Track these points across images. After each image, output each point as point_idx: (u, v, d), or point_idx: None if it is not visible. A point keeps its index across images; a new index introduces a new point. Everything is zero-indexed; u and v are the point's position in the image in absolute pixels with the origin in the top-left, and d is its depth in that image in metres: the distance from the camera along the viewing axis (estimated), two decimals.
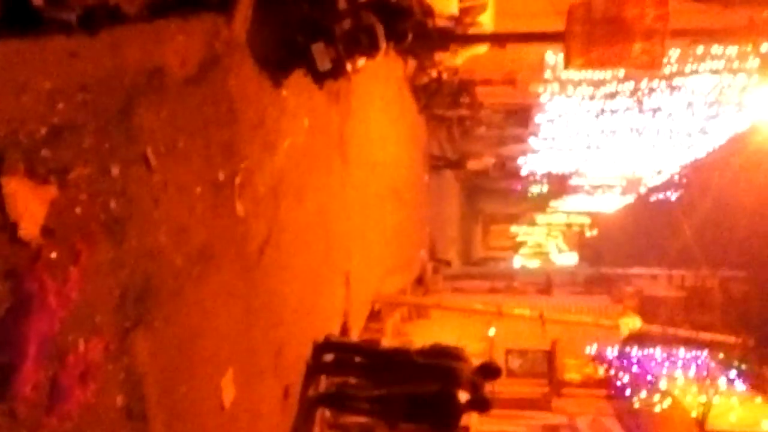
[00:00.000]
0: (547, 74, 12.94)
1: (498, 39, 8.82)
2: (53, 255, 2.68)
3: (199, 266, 4.08)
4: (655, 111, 15.51)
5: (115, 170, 3.13)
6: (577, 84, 13.70)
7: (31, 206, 2.57)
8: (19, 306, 2.48)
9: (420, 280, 14.80)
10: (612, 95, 14.26)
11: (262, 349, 5.32)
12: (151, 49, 3.57)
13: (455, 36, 8.84)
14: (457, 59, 11.37)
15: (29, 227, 2.56)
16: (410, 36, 5.84)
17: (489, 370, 6.64)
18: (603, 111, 15.55)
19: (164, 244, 3.64)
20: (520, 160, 20.92)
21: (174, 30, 3.80)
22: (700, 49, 11.71)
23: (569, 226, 42.46)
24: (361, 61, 5.20)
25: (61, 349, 2.75)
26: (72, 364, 2.80)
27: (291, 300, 6.00)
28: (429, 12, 7.53)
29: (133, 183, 3.30)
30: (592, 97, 14.41)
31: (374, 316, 10.08)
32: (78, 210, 2.87)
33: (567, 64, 7.51)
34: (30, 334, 2.50)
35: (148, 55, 3.52)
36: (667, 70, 12.50)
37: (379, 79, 9.64)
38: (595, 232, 39.34)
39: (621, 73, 12.98)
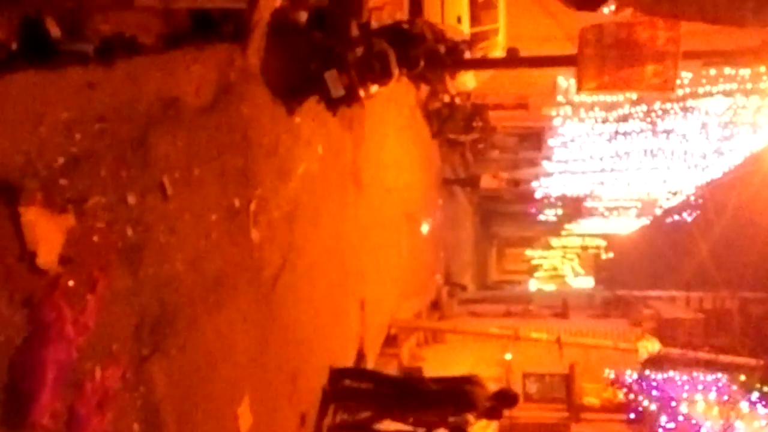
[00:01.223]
0: (560, 98, 12.97)
1: (510, 63, 8.85)
2: (71, 283, 2.70)
3: (214, 294, 4.09)
4: (668, 133, 15.47)
5: (131, 199, 3.16)
6: (590, 107, 13.71)
7: (49, 235, 2.59)
8: (37, 334, 2.50)
9: (435, 305, 14.73)
10: (625, 118, 14.25)
11: (278, 376, 5.30)
12: (167, 79, 3.62)
13: (467, 61, 8.87)
14: (469, 83, 11.43)
15: (47, 256, 2.58)
16: (422, 62, 5.88)
17: (506, 397, 6.56)
18: (616, 133, 15.52)
19: (180, 271, 3.65)
20: (534, 184, 20.88)
21: (189, 60, 3.85)
22: (712, 71, 11.69)
23: (585, 248, 42.23)
24: (374, 88, 5.23)
25: (78, 378, 2.76)
26: (89, 392, 2.80)
27: (306, 326, 5.99)
28: (441, 37, 7.57)
29: (149, 211, 3.33)
30: (605, 120, 14.40)
31: (390, 341, 10.03)
32: (95, 238, 2.90)
33: (579, 88, 7.50)
34: (47, 363, 2.51)
35: (163, 85, 3.57)
36: (680, 92, 12.48)
37: (392, 105, 9.70)
38: (611, 255, 39.09)
39: (634, 95, 12.97)
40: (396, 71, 5.27)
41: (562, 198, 22.95)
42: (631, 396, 12.04)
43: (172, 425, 3.50)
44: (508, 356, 12.09)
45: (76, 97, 2.86)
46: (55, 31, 2.92)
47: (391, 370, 10.14)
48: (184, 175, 3.72)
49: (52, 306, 2.57)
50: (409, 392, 6.61)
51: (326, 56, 5.09)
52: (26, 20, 2.84)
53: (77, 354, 2.71)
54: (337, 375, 6.75)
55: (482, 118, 13.78)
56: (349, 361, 7.86)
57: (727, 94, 12.63)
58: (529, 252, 45.68)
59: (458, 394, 6.33)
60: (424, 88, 10.80)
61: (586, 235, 37.65)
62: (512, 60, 8.56)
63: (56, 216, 2.65)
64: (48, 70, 2.74)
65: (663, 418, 10.90)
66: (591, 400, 12.58)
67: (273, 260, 5.12)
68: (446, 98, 11.39)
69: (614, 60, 7.39)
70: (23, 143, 2.54)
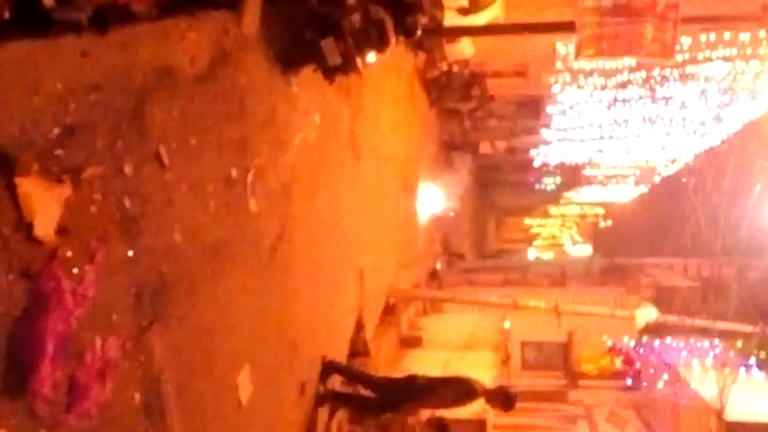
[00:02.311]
0: (558, 65, 12.85)
1: (508, 30, 8.76)
2: (68, 254, 2.70)
3: (213, 263, 4.09)
4: (667, 99, 15.37)
5: (128, 169, 3.15)
6: (589, 74, 13.59)
7: (46, 206, 2.58)
8: (36, 305, 2.50)
9: (434, 274, 14.79)
10: (624, 85, 14.14)
11: (277, 345, 5.33)
12: (162, 47, 3.58)
13: (465, 28, 8.78)
14: (467, 51, 11.33)
15: (44, 227, 2.57)
16: (420, 29, 5.82)
17: (505, 397, 6.19)
18: (615, 101, 15.42)
19: (179, 242, 3.65)
20: (533, 152, 20.81)
21: (184, 28, 3.81)
22: (712, 36, 11.58)
23: (583, 217, 42.25)
24: (371, 56, 5.18)
25: (78, 348, 2.77)
26: (90, 362, 2.82)
27: (305, 296, 6.02)
28: (438, 4, 7.48)
29: (146, 181, 3.32)
30: (603, 87, 14.29)
31: (389, 310, 10.08)
32: (92, 209, 2.89)
33: (578, 54, 7.45)
34: (47, 333, 2.52)
35: (158, 53, 3.53)
36: (679, 58, 12.38)
37: (390, 74, 9.63)
38: (609, 222, 39.13)
39: (633, 62, 12.87)
40: (393, 39, 5.22)
41: (561, 166, 22.87)
42: (628, 363, 12.15)
43: (172, 395, 3.52)
44: (506, 324, 12.18)
45: (70, 66, 2.83)
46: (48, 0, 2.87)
47: (390, 339, 10.22)
48: (181, 145, 3.70)
49: (50, 276, 2.57)
50: (402, 391, 6.46)
51: (323, 24, 5.04)
52: None
53: (77, 324, 2.72)
54: (329, 368, 6.61)
55: (480, 86, 13.69)
56: (347, 331, 7.91)
57: (727, 59, 12.52)
58: (527, 220, 45.73)
59: (455, 381, 6.21)
60: (421, 56, 10.71)
61: (584, 204, 37.65)
62: (510, 26, 8.47)
63: (53, 186, 2.63)
64: (41, 39, 2.70)
65: (659, 384, 11.00)
66: (589, 367, 12.71)
67: (271, 230, 5.12)
68: (444, 66, 11.31)
69: (613, 26, 7.33)
70: (18, 113, 2.52)
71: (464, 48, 10.88)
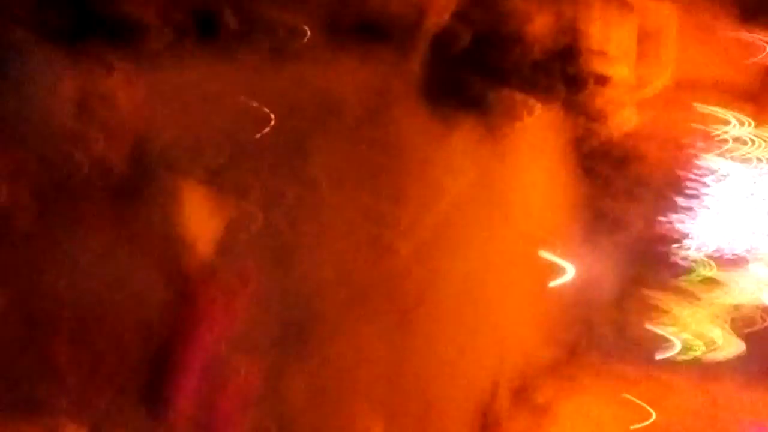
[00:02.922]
0: (723, 134, 12.02)
1: (681, 85, 8.26)
2: (224, 272, 2.63)
3: (359, 307, 3.94)
4: None
5: (290, 195, 3.08)
6: (753, 144, 12.64)
7: (209, 222, 2.54)
8: (189, 317, 2.44)
9: (573, 351, 14.02)
10: None
11: (411, 404, 5.06)
12: (332, 80, 3.56)
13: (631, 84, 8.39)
14: (628, 122, 10.86)
15: (206, 243, 2.53)
16: (590, 83, 5.56)
17: None
18: None
19: (329, 279, 3.54)
20: (682, 225, 19.50)
21: (356, 64, 3.78)
22: None
23: (738, 308, 39.24)
24: (537, 109, 4.96)
25: (223, 371, 2.66)
26: (232, 388, 2.71)
27: (442, 357, 5.73)
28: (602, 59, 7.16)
29: (304, 212, 3.24)
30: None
31: (525, 383, 9.55)
32: (252, 231, 2.82)
33: (757, 124, 6.89)
34: (195, 346, 2.43)
35: (329, 85, 3.51)
36: None
37: (547, 136, 9.34)
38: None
39: None
40: (562, 93, 4.99)
41: (711, 253, 21.32)
42: None
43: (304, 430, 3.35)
44: (651, 412, 11.17)
45: (248, 87, 2.83)
46: (231, 21, 2.90)
47: (524, 413, 9.65)
48: (340, 179, 3.63)
49: (206, 292, 2.50)
50: None
51: (488, 73, 4.90)
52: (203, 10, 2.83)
53: (224, 346, 2.62)
54: None
55: (639, 160, 13.05)
56: (482, 399, 7.52)
57: None
58: (673, 306, 43.06)
59: None
60: (580, 124, 10.35)
61: (741, 298, 34.96)
62: (683, 82, 8.00)
63: (215, 196, 2.59)
64: (224, 57, 2.71)
65: None
66: None
67: (418, 280, 4.92)
68: (603, 135, 10.87)
69: None
70: (195, 126, 2.51)
71: (627, 116, 10.42)
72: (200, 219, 2.53)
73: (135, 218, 2.28)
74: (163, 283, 2.40)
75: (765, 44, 8.34)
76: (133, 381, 2.34)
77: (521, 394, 9.37)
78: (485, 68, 4.87)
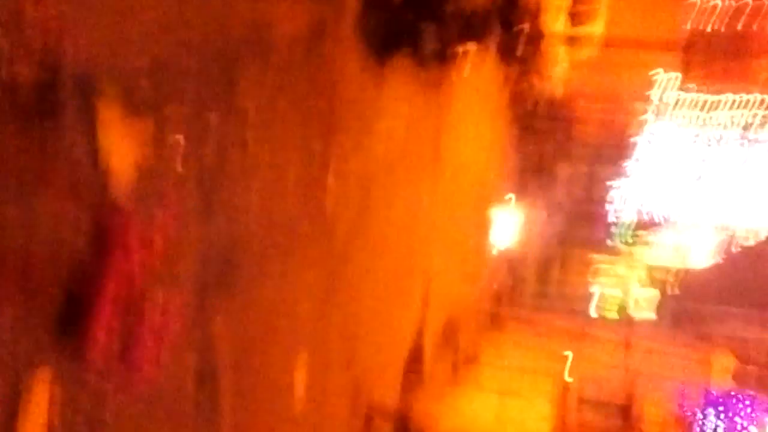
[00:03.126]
0: (653, 92, 12.30)
1: (611, 42, 8.39)
2: (142, 196, 2.51)
3: (286, 240, 3.88)
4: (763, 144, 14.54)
5: (213, 118, 2.96)
6: (683, 106, 13.00)
7: (125, 138, 2.41)
8: (102, 240, 2.32)
9: (498, 296, 14.36)
10: (721, 124, 13.45)
11: (337, 338, 5.09)
12: (262, 4, 3.42)
13: (564, 36, 8.45)
14: (560, 71, 10.95)
15: (122, 160, 2.39)
16: (523, 26, 5.55)
17: None
18: (709, 141, 14.67)
19: (255, 209, 3.46)
20: (612, 184, 20.00)
21: None
22: None
23: (655, 269, 40.77)
24: (471, 45, 4.92)
25: (140, 299, 2.57)
26: (149, 316, 2.62)
27: (370, 294, 5.76)
28: (539, 9, 7.17)
29: (230, 135, 3.13)
30: (698, 123, 13.63)
31: (450, 324, 9.74)
32: (171, 151, 2.70)
33: (685, 75, 7.04)
34: (110, 272, 2.33)
35: (258, 9, 3.36)
36: None
37: (479, 80, 9.33)
38: (683, 276, 37.56)
39: (733, 97, 12.25)
40: (496, 28, 4.96)
41: (638, 210, 21.96)
42: (701, 419, 11.38)
43: (228, 365, 3.31)
44: (568, 354, 11.59)
45: (171, 4, 2.67)
46: None
47: (448, 353, 9.88)
48: (269, 106, 3.51)
49: (121, 214, 2.38)
50: None
51: (423, 8, 4.81)
52: None
53: (141, 273, 2.53)
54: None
55: (569, 107, 13.24)
56: (407, 340, 7.63)
57: None
58: (596, 255, 44.43)
59: None
60: (513, 70, 10.37)
61: (659, 255, 36.30)
62: (614, 39, 8.10)
63: (134, 119, 2.46)
64: None
65: None
66: (654, 423, 11.91)
67: (347, 220, 4.89)
68: (535, 80, 10.93)
69: (724, 51, 6.92)
70: (106, 36, 2.35)
71: (559, 61, 10.49)
72: (119, 145, 2.39)
73: (46, 143, 2.13)
74: (78, 214, 2.27)
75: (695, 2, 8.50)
76: (49, 316, 2.23)
77: (447, 338, 9.58)
78: (424, 13, 4.79)
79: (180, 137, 2.72)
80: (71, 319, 2.26)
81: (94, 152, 2.32)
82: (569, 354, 11.74)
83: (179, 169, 2.75)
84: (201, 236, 2.99)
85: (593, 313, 16.71)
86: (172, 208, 2.68)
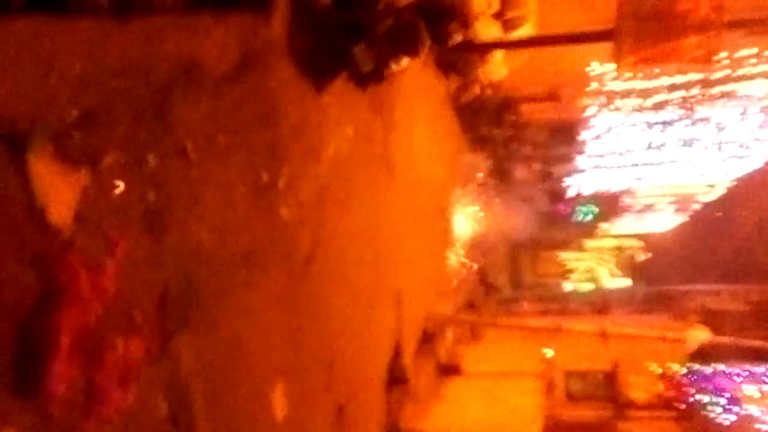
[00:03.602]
0: (594, 85, 12.61)
1: (544, 41, 8.57)
2: (87, 244, 2.51)
3: (244, 270, 3.88)
4: (706, 121, 14.98)
5: (152, 161, 2.97)
6: (625, 95, 13.32)
7: (61, 190, 2.41)
8: (50, 296, 2.30)
9: (472, 304, 14.42)
10: (661, 105, 13.81)
11: (313, 363, 5.08)
12: (187, 42, 3.44)
13: (498, 42, 8.62)
14: (500, 72, 11.15)
15: (59, 213, 2.39)
16: (453, 37, 5.66)
17: None
18: (652, 124, 15.06)
19: (206, 243, 3.46)
20: (567, 181, 20.41)
21: (210, 24, 3.67)
22: (753, 50, 11.27)
23: (620, 249, 41.33)
24: (405, 61, 5.01)
25: (98, 347, 2.56)
26: (110, 364, 2.60)
27: (341, 315, 5.77)
28: (470, 21, 7.33)
29: (171, 176, 3.14)
30: (640, 109, 13.97)
31: (427, 337, 9.76)
32: (113, 199, 2.71)
33: (617, 63, 7.21)
34: (62, 327, 2.32)
35: (183, 47, 3.38)
36: (719, 75, 12.08)
37: (422, 95, 9.46)
38: (648, 255, 38.14)
39: (670, 81, 12.58)
40: (427, 42, 5.05)
41: (596, 195, 22.40)
42: (680, 390, 11.60)
43: (201, 406, 3.29)
44: (549, 352, 11.73)
45: (90, 49, 2.69)
46: None
47: (429, 366, 9.88)
48: (208, 142, 3.53)
49: (66, 266, 2.38)
50: None
51: (353, 30, 4.89)
52: None
53: (96, 321, 2.52)
54: None
55: (514, 111, 13.45)
56: (386, 357, 7.62)
57: None
58: (563, 254, 44.84)
59: None
60: (454, 80, 10.54)
61: (621, 237, 36.84)
62: (546, 38, 8.28)
63: (69, 171, 2.46)
64: (59, 18, 2.56)
65: (717, 410, 10.46)
66: (637, 395, 12.15)
67: (304, 241, 4.91)
68: (477, 90, 11.13)
69: (654, 32, 7.09)
70: (32, 90, 2.37)
71: (497, 69, 10.71)
72: (56, 197, 2.39)
73: None
74: (22, 271, 2.26)
75: None
76: (6, 377, 2.20)
77: (426, 352, 9.59)
78: (349, 25, 4.86)
79: (120, 183, 2.72)
80: (28, 376, 2.24)
81: (31, 208, 2.32)
82: (550, 351, 11.88)
83: (123, 215, 2.74)
84: (154, 279, 2.99)
85: (568, 306, 16.93)
86: (120, 254, 2.67)
